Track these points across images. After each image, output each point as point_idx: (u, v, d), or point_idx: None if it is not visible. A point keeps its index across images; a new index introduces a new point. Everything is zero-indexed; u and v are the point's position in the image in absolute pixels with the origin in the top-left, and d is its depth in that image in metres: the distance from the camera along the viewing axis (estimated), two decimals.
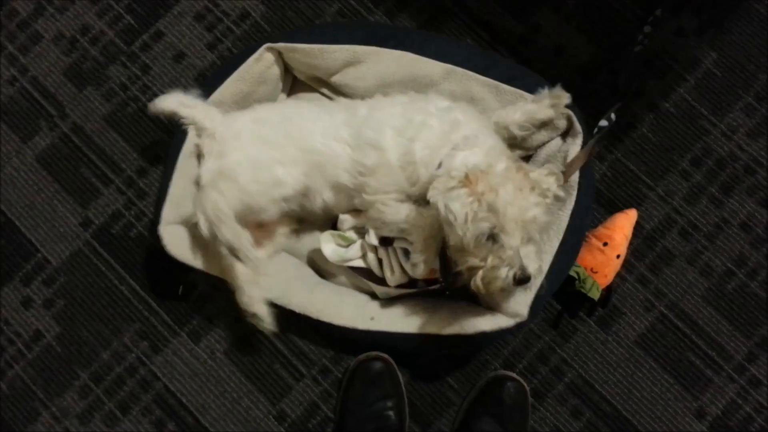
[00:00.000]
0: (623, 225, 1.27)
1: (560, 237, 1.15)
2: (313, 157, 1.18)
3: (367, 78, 1.28)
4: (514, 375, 1.25)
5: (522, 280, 1.00)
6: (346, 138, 1.16)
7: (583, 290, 1.24)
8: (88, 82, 1.44)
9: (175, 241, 1.22)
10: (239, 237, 1.15)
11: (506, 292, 1.07)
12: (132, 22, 1.46)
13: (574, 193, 1.17)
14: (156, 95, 1.41)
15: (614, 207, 1.33)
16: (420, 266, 1.13)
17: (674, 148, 1.36)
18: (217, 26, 1.45)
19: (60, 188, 1.40)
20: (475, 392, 1.26)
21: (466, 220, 1.00)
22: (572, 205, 1.16)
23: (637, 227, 1.31)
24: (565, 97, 1.20)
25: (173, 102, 1.22)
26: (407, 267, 1.17)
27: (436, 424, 1.29)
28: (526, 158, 1.29)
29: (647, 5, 1.39)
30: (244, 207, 1.19)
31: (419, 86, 1.27)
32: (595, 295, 1.24)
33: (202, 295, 1.35)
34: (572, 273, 1.24)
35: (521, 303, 1.11)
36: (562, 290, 1.27)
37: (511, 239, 0.99)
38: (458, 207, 1.00)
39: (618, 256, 1.26)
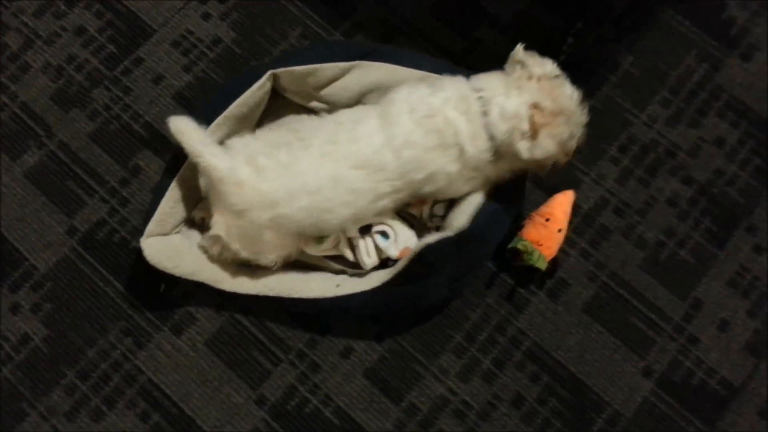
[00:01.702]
0: (562, 202, 1.42)
1: None
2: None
3: (351, 88, 1.42)
4: None
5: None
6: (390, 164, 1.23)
7: (531, 261, 1.37)
8: (74, 104, 1.57)
9: (156, 252, 1.31)
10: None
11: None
12: (114, 50, 1.61)
13: None
14: (137, 113, 1.56)
15: (555, 191, 1.47)
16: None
17: (603, 138, 1.53)
18: (192, 51, 1.61)
19: (47, 201, 1.51)
20: None
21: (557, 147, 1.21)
22: None
23: (576, 208, 1.46)
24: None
25: (187, 130, 1.23)
26: (385, 246, 1.28)
27: (407, 397, 1.38)
28: None
29: (570, 19, 1.59)
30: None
31: None
32: (542, 265, 1.37)
33: (184, 291, 1.44)
34: (519, 246, 1.38)
35: (460, 220, 1.26)
36: (513, 265, 1.41)
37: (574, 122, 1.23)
38: (548, 144, 1.19)
39: (560, 230, 1.40)
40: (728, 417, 1.36)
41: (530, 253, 1.37)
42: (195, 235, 1.41)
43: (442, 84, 1.26)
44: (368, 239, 1.29)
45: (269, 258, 1.29)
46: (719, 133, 1.53)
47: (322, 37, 1.62)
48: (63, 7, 1.65)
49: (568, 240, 1.45)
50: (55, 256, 1.47)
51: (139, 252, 1.31)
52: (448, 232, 1.25)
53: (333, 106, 1.41)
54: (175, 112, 1.34)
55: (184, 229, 1.41)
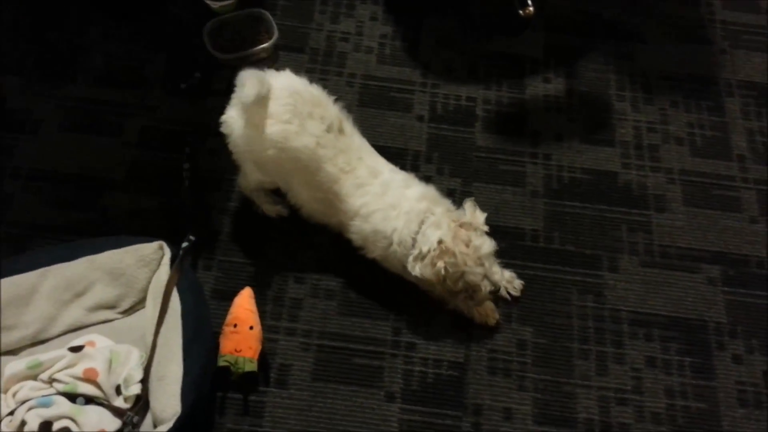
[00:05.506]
0: (241, 303, 1.49)
1: (180, 342, 1.32)
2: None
3: None
4: None
5: (494, 291, 1.55)
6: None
7: (241, 370, 1.41)
8: None
9: None
10: None
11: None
12: None
13: (178, 303, 1.38)
14: None
15: (235, 294, 1.54)
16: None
17: (255, 230, 1.66)
18: None
19: None
20: None
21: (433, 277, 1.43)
22: (179, 312, 1.36)
23: (262, 297, 1.55)
24: None
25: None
26: None
27: None
28: None
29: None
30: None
31: (25, 299, 1.39)
32: (252, 367, 1.42)
33: None
34: (224, 363, 1.41)
35: (173, 404, 1.24)
36: (229, 381, 1.43)
37: (479, 277, 1.43)
38: (427, 270, 1.42)
39: (251, 328, 1.46)
40: (470, 390, 1.50)
41: (235, 364, 1.41)
42: None
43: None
44: None
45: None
46: None
47: None
48: None
49: (268, 328, 1.52)
50: None
51: None
52: (167, 426, 1.22)
53: None
54: None
55: None
